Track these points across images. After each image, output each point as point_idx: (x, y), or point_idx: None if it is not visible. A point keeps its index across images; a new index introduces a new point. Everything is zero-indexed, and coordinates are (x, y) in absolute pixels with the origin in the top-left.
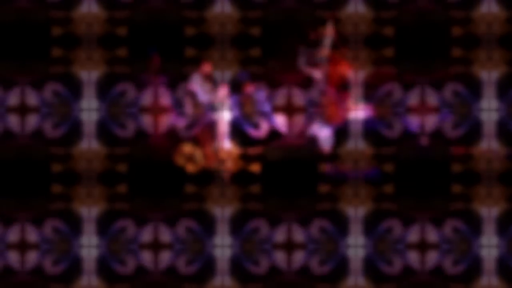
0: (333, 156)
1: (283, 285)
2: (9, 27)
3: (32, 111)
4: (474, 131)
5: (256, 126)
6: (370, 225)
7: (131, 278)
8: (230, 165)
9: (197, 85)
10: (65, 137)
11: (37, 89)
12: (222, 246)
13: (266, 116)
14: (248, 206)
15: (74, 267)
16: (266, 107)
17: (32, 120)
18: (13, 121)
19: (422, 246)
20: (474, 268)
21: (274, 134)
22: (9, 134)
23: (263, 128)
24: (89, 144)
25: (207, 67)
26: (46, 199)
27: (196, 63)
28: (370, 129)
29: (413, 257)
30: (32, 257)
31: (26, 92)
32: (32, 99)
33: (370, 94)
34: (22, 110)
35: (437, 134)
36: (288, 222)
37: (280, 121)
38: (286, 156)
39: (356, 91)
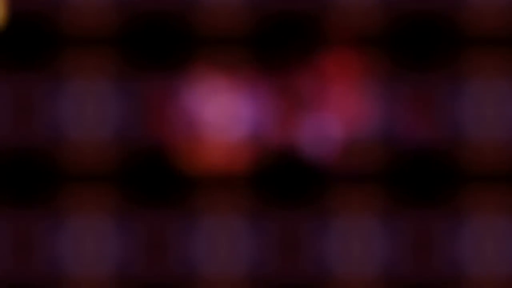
0: (331, 156)
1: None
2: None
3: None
4: (474, 131)
5: (253, 125)
6: (370, 224)
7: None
8: (228, 165)
9: (196, 84)
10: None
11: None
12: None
13: (263, 115)
14: (245, 206)
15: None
16: (261, 106)
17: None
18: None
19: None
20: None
21: (271, 133)
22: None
23: (260, 127)
24: (88, 144)
25: (206, 66)
26: (46, 198)
27: (196, 62)
28: (369, 128)
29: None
30: (31, 256)
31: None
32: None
33: (369, 93)
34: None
35: (436, 133)
36: (285, 221)
37: (277, 120)
38: (285, 155)
39: (355, 90)
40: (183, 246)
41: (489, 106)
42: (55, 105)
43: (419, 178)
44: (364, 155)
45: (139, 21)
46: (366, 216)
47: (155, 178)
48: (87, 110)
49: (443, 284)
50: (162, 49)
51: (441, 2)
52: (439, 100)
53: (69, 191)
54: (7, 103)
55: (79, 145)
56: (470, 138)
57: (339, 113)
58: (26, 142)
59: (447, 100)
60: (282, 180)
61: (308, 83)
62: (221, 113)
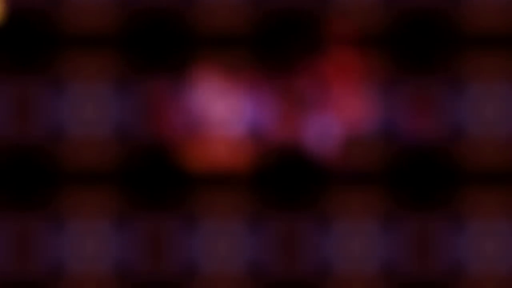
0: (332, 155)
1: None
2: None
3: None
4: (474, 130)
5: (254, 124)
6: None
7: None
8: (230, 164)
9: (198, 84)
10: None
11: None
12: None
13: (264, 114)
14: (246, 205)
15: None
16: (263, 106)
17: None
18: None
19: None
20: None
21: (273, 132)
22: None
23: (262, 127)
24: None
25: (208, 66)
26: (47, 198)
27: (197, 62)
28: (370, 127)
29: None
30: (32, 256)
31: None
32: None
33: (371, 92)
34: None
35: (437, 133)
36: (286, 220)
37: (279, 119)
38: (286, 154)
39: (356, 90)
40: (184, 245)
41: (489, 106)
42: (56, 105)
43: (419, 178)
44: (364, 155)
45: (141, 21)
46: (367, 215)
47: (156, 177)
48: (88, 109)
49: (444, 284)
50: (163, 49)
51: (441, 2)
52: (440, 100)
53: (70, 191)
54: (6, 103)
55: (80, 144)
56: (471, 137)
57: (340, 113)
58: (26, 142)
59: (447, 100)
60: (283, 179)
61: (309, 82)
62: (223, 113)
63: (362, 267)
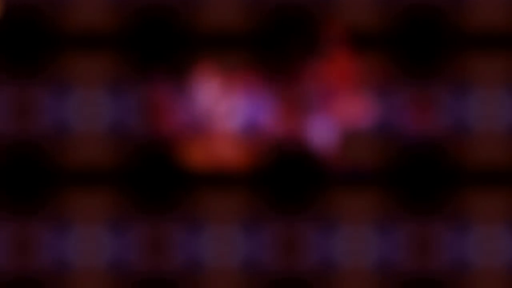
0: (332, 155)
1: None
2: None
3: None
4: (470, 130)
5: (254, 124)
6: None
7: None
8: (229, 163)
9: (198, 83)
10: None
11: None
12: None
13: (263, 114)
14: (245, 204)
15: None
16: (262, 106)
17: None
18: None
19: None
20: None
21: (272, 132)
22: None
23: (261, 126)
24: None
25: (208, 65)
26: (48, 198)
27: (197, 61)
28: (369, 127)
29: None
30: (32, 254)
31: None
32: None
33: (370, 92)
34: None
35: (437, 133)
36: (286, 220)
37: (278, 119)
38: (286, 154)
39: (356, 90)
40: (184, 244)
41: (490, 106)
42: (56, 105)
43: (420, 177)
44: (364, 154)
45: (141, 20)
46: (367, 215)
47: (156, 177)
48: (88, 109)
49: (444, 284)
50: (163, 49)
51: (442, 2)
52: (440, 100)
53: (70, 191)
54: (6, 103)
55: (80, 144)
56: (471, 137)
57: (340, 112)
58: (26, 142)
59: (448, 99)
60: (283, 179)
61: (309, 82)
62: (222, 113)
63: (362, 267)
